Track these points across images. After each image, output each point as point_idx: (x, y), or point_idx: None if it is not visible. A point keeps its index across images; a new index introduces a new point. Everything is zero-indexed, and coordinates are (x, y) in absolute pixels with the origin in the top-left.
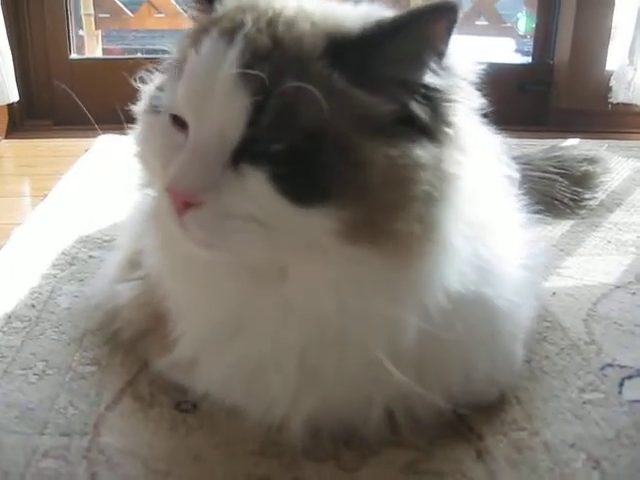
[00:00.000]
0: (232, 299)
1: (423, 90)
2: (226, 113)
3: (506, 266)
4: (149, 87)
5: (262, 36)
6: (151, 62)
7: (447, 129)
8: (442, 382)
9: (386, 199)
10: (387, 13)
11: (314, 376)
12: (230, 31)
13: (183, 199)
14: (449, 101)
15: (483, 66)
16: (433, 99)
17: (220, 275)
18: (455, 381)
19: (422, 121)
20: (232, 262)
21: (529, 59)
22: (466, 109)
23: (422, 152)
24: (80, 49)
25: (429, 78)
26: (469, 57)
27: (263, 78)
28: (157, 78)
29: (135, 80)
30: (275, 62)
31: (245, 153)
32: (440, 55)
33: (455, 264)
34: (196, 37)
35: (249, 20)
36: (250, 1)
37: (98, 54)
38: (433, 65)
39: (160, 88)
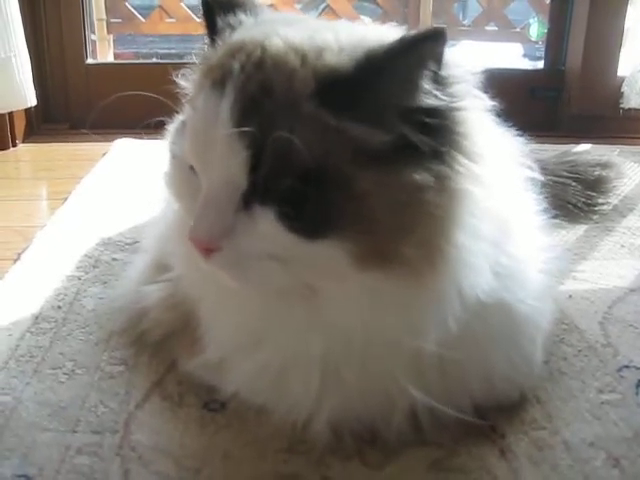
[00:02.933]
0: (257, 312)
1: (420, 113)
2: (228, 165)
3: (526, 271)
4: (172, 125)
5: (251, 83)
6: (166, 67)
7: (456, 141)
8: (465, 385)
9: (388, 226)
10: (383, 36)
11: (336, 381)
12: (220, 81)
13: (204, 247)
14: (454, 111)
15: (484, 68)
16: (434, 120)
17: (246, 292)
18: (477, 383)
19: (421, 144)
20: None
21: (539, 64)
22: (475, 114)
23: (422, 175)
24: (92, 53)
25: (425, 100)
26: (468, 61)
27: (256, 128)
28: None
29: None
30: (265, 110)
31: (254, 195)
32: (434, 76)
33: (472, 277)
34: (195, 89)
35: (237, 66)
36: (239, 41)
37: (110, 58)
38: (427, 87)
39: (174, 136)
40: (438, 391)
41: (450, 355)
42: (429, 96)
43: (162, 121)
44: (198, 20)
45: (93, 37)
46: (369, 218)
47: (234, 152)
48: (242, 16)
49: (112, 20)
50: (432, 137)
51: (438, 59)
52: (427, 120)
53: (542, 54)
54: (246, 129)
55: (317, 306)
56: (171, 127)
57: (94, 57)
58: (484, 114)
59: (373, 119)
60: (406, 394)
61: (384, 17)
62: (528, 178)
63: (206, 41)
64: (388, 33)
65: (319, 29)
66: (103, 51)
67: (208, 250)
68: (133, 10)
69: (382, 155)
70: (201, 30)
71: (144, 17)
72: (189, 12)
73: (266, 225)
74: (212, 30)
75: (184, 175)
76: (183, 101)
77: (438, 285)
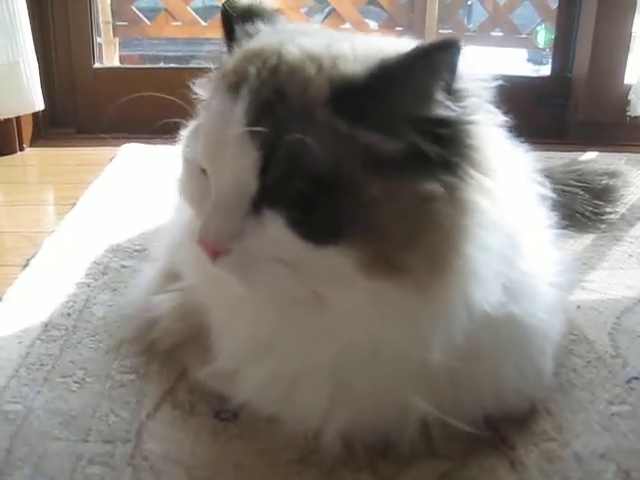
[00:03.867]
0: (267, 320)
1: (432, 124)
2: (238, 167)
3: (536, 284)
4: (186, 130)
5: (266, 88)
6: (173, 71)
7: (467, 154)
8: (475, 397)
9: (397, 234)
10: (399, 47)
11: (346, 392)
12: (235, 85)
13: (212, 249)
14: (465, 124)
15: (498, 81)
16: (445, 130)
17: (256, 299)
18: (487, 394)
19: (432, 154)
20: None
21: (543, 69)
22: (487, 128)
23: (432, 185)
24: (98, 57)
25: (438, 111)
26: (482, 74)
27: (268, 131)
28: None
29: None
30: (279, 114)
31: (264, 199)
32: (447, 87)
33: (480, 290)
34: (210, 93)
35: (253, 71)
36: (256, 47)
37: (116, 62)
38: (440, 98)
39: (188, 139)
40: (448, 402)
41: (458, 366)
42: (441, 107)
43: (169, 125)
44: (204, 23)
45: (99, 40)
46: (378, 226)
47: (245, 153)
48: (260, 25)
49: (118, 23)
50: (443, 148)
51: (452, 70)
52: (439, 131)
53: (547, 59)
54: (258, 129)
55: (325, 315)
56: (185, 132)
57: (100, 60)
58: (496, 129)
59: (385, 128)
60: (417, 405)
61: (389, 21)
62: (539, 194)
63: (223, 48)
64: (405, 45)
65: (336, 39)
66: (109, 54)
67: (216, 253)
68: (139, 13)
69: (393, 164)
70: (207, 33)
71: (150, 20)
72: (195, 15)
73: (275, 230)
74: (230, 37)
75: (195, 179)
76: (197, 107)
77: (445, 296)
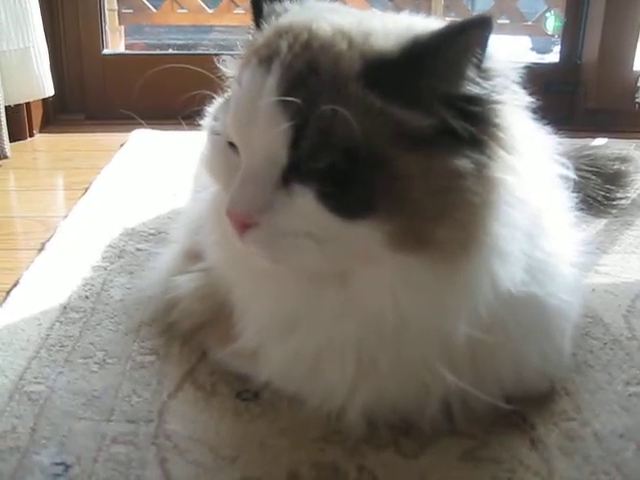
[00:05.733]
0: (292, 296)
1: (463, 101)
2: (269, 139)
3: (557, 265)
4: (212, 106)
5: (298, 61)
6: (182, 57)
7: (494, 133)
8: (495, 375)
9: (427, 209)
10: (428, 25)
11: (371, 368)
12: (267, 59)
13: (241, 221)
14: (493, 103)
15: (523, 63)
16: (475, 107)
17: (281, 275)
18: (508, 374)
19: (462, 131)
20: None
21: (547, 58)
22: (513, 108)
23: (462, 161)
24: (104, 44)
25: (469, 88)
26: (509, 56)
27: (300, 103)
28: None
29: None
30: (311, 86)
31: (293, 172)
32: (478, 64)
33: (505, 267)
34: (241, 67)
35: (285, 46)
36: (287, 23)
37: (121, 49)
38: (471, 75)
39: (217, 112)
40: (470, 380)
41: (480, 344)
42: (472, 84)
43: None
44: (210, 11)
45: (105, 28)
46: (408, 201)
47: (277, 124)
48: (287, 3)
49: (124, 11)
50: (472, 126)
51: (483, 47)
52: (469, 108)
53: (552, 48)
54: (291, 99)
55: (349, 290)
56: (211, 107)
57: (106, 47)
58: (521, 109)
59: (417, 104)
60: (439, 381)
61: (395, 9)
62: (561, 174)
63: (251, 27)
64: (433, 23)
65: (365, 16)
66: (114, 42)
67: (245, 225)
68: (145, 0)
69: (424, 139)
70: (212, 21)
71: (156, 7)
72: (201, 3)
73: (305, 203)
74: (258, 15)
75: (223, 152)
76: (225, 84)
77: (471, 271)
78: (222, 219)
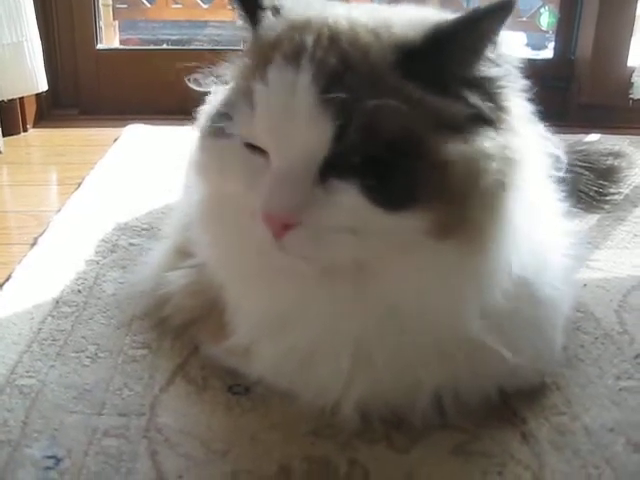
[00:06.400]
0: (287, 293)
1: (483, 82)
2: (310, 138)
3: (549, 255)
4: (207, 107)
5: (330, 57)
6: (177, 53)
7: (504, 115)
8: (489, 367)
9: (465, 193)
10: (439, 14)
11: (366, 362)
12: (294, 55)
13: (281, 222)
14: (502, 87)
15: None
16: (491, 89)
17: (277, 273)
18: (501, 367)
19: (486, 113)
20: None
21: (542, 54)
22: (514, 92)
23: (490, 143)
24: (98, 39)
25: (488, 70)
26: (511, 43)
27: (342, 99)
28: (215, 95)
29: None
30: (349, 82)
31: (331, 168)
32: (495, 45)
33: (516, 251)
34: (257, 65)
35: (310, 41)
36: (300, 19)
37: (116, 44)
38: (490, 56)
39: (223, 114)
40: (464, 374)
41: (477, 336)
42: (492, 65)
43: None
44: (204, 6)
45: (99, 23)
46: (448, 187)
47: (318, 122)
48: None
49: (118, 6)
50: (490, 107)
51: (500, 29)
52: (487, 89)
53: (546, 44)
54: (336, 95)
55: (367, 282)
56: (205, 110)
57: (100, 42)
58: (519, 94)
59: (448, 90)
60: (432, 375)
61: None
62: (552, 161)
63: (243, 23)
64: (438, 14)
65: (368, 9)
66: (109, 37)
67: (285, 226)
68: None
69: (457, 125)
70: (207, 16)
71: (150, 3)
72: None
73: (347, 198)
74: (251, 11)
75: (239, 155)
76: (224, 82)
77: (493, 255)
78: (218, 219)
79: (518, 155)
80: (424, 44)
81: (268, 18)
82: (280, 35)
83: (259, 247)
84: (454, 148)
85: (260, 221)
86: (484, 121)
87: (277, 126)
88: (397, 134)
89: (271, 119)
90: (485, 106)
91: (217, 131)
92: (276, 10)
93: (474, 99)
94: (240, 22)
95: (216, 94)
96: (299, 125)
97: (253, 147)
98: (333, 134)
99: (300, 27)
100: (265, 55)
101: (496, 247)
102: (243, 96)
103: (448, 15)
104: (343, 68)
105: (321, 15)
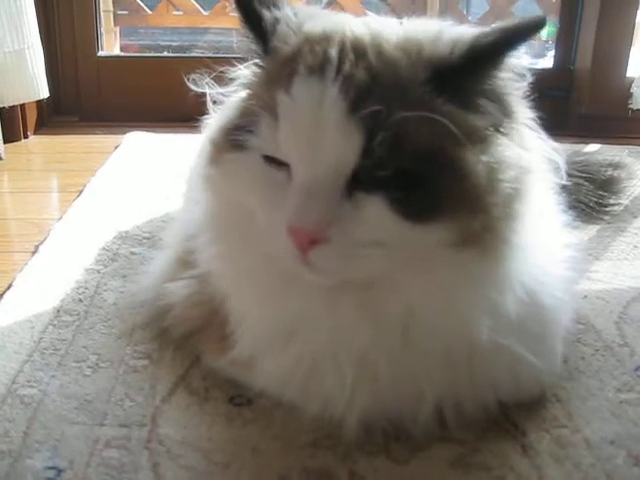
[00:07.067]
0: (296, 305)
1: (497, 92)
2: (339, 152)
3: (553, 264)
4: (218, 119)
5: (357, 70)
6: (177, 60)
7: (514, 124)
8: (491, 380)
9: (487, 202)
10: (449, 28)
11: (370, 374)
12: (319, 68)
13: (309, 237)
14: (510, 95)
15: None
16: (502, 97)
17: (289, 283)
18: (504, 378)
19: (502, 123)
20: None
21: (541, 63)
22: (519, 99)
23: (508, 152)
24: (99, 46)
25: (502, 80)
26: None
27: (371, 112)
28: (227, 107)
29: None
30: (378, 95)
31: (358, 182)
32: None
33: (525, 260)
34: (277, 77)
35: (334, 53)
36: (316, 30)
37: (116, 50)
38: (515, 71)
39: (240, 126)
40: (465, 385)
41: (479, 348)
42: (512, 81)
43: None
44: (205, 13)
45: (100, 30)
46: (473, 197)
47: (348, 136)
48: (286, 9)
49: (118, 12)
50: (504, 116)
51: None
52: (500, 98)
53: (545, 53)
54: (372, 108)
55: (371, 295)
56: (216, 121)
57: (101, 50)
58: (521, 99)
59: (471, 103)
60: (435, 387)
61: (391, 14)
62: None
63: (246, 34)
64: (452, 26)
65: (385, 22)
66: (109, 43)
67: (312, 241)
68: (140, 2)
69: (479, 136)
70: (208, 23)
71: (151, 9)
72: (196, 4)
73: (375, 212)
74: (254, 23)
75: (257, 168)
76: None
77: (508, 264)
78: (229, 232)
79: (529, 163)
80: (461, 62)
81: (280, 30)
82: (299, 47)
83: (281, 260)
84: (477, 159)
85: (284, 235)
86: (499, 131)
87: (304, 139)
88: (424, 146)
89: (297, 132)
90: (500, 116)
91: (233, 144)
92: (276, 21)
93: (492, 109)
94: (244, 33)
95: (227, 106)
96: (327, 138)
97: (272, 160)
98: (362, 147)
99: (318, 39)
100: (285, 67)
101: (511, 254)
102: (264, 109)
103: (463, 28)
104: (371, 82)
105: (336, 27)
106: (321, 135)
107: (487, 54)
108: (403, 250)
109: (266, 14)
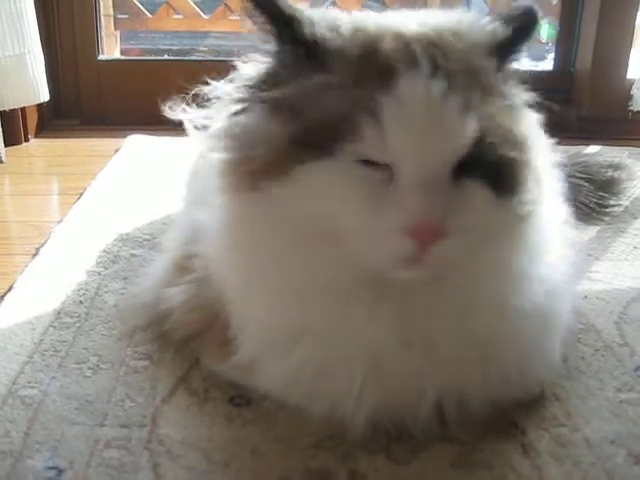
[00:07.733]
0: (302, 307)
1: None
2: (458, 143)
3: (554, 262)
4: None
5: (450, 63)
6: (178, 63)
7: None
8: (503, 375)
9: (537, 175)
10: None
11: (379, 372)
12: (414, 65)
13: (435, 233)
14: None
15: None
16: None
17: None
18: (513, 374)
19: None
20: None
21: (541, 65)
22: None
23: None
24: (100, 50)
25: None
26: None
27: (475, 104)
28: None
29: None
30: (475, 87)
31: (463, 170)
32: None
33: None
34: (361, 78)
35: (418, 49)
36: (372, 30)
37: (117, 54)
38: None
39: (316, 133)
40: (466, 383)
41: (489, 341)
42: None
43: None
44: (205, 17)
45: (101, 33)
46: (533, 168)
47: (468, 127)
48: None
49: (119, 16)
50: None
51: None
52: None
53: (545, 55)
54: (471, 101)
55: (439, 288)
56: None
57: (102, 53)
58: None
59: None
60: (436, 385)
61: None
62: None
63: (268, 35)
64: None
65: (417, 16)
66: (110, 47)
67: (436, 236)
68: (140, 6)
69: (520, 114)
70: (208, 26)
71: (151, 13)
72: (196, 8)
73: (479, 195)
74: (281, 24)
75: (351, 174)
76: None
77: (542, 227)
78: (258, 244)
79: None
80: (514, 46)
81: (334, 33)
82: (368, 46)
83: (375, 266)
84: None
85: (394, 238)
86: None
87: (416, 136)
88: (512, 130)
89: (409, 130)
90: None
91: (309, 153)
92: (298, 24)
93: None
94: (279, 42)
95: (269, 119)
96: (445, 132)
97: (368, 163)
98: (477, 137)
99: (385, 37)
100: (367, 67)
101: (542, 224)
102: (358, 112)
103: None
104: (463, 74)
105: (382, 24)
106: (437, 130)
107: (520, 35)
108: (494, 232)
109: (298, 16)
